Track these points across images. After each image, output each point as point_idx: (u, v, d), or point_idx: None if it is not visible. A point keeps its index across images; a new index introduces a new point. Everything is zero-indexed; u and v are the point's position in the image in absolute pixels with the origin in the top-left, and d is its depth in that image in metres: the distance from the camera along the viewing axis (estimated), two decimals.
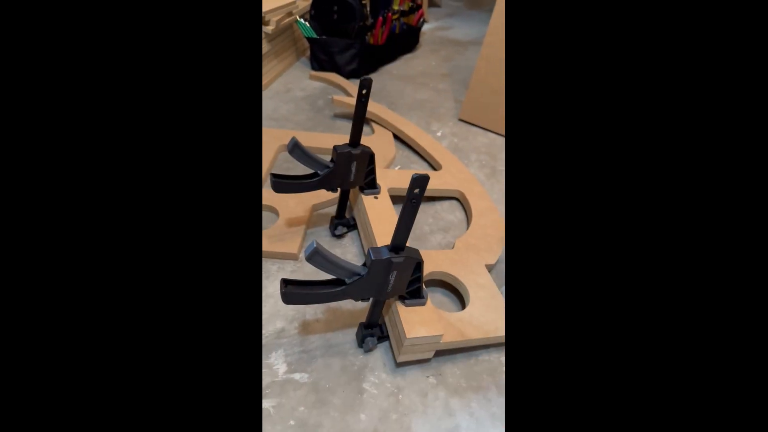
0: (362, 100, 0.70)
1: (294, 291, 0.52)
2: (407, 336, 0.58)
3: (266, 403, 0.58)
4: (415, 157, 1.15)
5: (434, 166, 1.09)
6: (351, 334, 0.68)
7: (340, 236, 0.86)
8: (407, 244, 0.56)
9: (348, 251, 0.84)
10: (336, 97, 1.28)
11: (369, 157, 0.77)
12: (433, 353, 0.65)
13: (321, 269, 0.53)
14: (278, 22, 1.37)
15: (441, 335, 0.60)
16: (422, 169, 1.11)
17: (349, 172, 0.76)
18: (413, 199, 0.49)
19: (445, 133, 1.28)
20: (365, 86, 0.68)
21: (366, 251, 0.81)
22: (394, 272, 0.55)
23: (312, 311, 0.71)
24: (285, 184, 0.70)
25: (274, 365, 0.63)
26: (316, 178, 0.72)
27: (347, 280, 0.54)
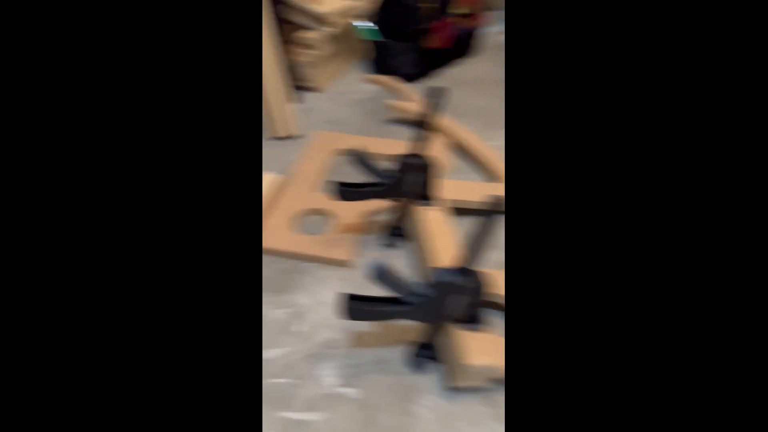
0: (431, 110, 0.67)
1: (360, 307, 0.50)
2: (466, 363, 0.55)
3: (313, 416, 0.57)
4: (471, 167, 1.10)
5: (491, 178, 1.05)
6: (402, 351, 0.66)
7: (392, 246, 0.84)
8: None
9: (399, 262, 0.82)
10: (390, 101, 1.26)
11: (432, 169, 0.74)
12: (488, 381, 0.61)
13: (384, 287, 0.50)
14: (340, 24, 1.37)
15: (502, 367, 0.56)
16: (478, 180, 1.06)
17: (411, 182, 0.73)
18: (488, 222, 0.46)
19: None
20: (436, 96, 0.65)
21: (426, 269, 0.79)
22: (460, 296, 0.52)
23: (363, 323, 0.69)
24: (351, 192, 0.69)
25: (323, 377, 0.62)
26: (382, 188, 0.70)
27: (410, 300, 0.52)
